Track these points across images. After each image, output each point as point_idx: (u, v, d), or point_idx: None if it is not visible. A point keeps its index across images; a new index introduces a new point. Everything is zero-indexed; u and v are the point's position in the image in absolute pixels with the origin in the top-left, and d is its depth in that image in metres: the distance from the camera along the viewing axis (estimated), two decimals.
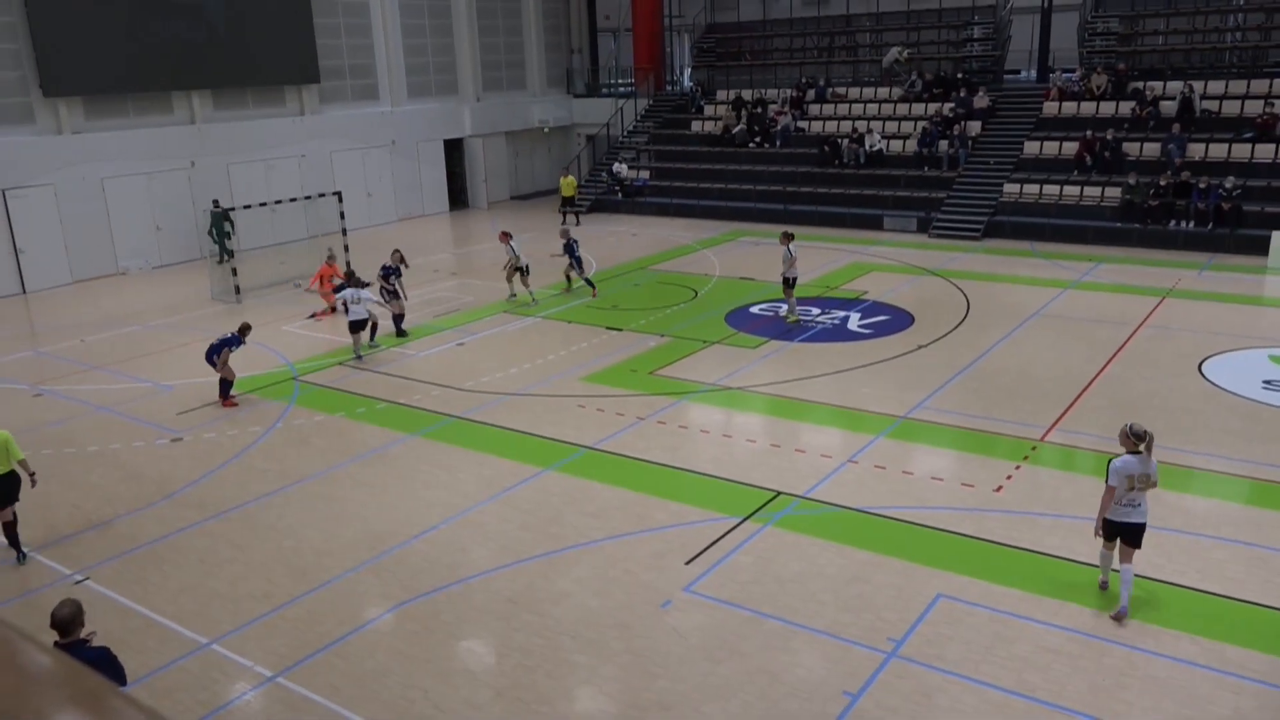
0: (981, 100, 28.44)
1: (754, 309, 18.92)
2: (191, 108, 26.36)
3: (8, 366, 17.24)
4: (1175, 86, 26.04)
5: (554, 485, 11.44)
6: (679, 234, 27.50)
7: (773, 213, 28.44)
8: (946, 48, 32.08)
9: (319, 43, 28.93)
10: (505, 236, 20.06)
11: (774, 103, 32.28)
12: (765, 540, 9.90)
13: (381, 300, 17.54)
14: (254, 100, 27.96)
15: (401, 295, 18.09)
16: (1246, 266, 21.03)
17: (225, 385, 14.57)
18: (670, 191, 31.44)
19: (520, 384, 15.10)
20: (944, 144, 27.55)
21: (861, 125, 29.81)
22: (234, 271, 20.99)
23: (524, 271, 19.82)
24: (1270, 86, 25.18)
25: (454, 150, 34.01)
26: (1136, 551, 8.38)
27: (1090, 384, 14.14)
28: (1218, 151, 24.27)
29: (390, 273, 18.03)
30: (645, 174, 32.74)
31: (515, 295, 20.10)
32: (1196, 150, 24.41)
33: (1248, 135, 24.13)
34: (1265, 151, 23.70)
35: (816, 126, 30.99)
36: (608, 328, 18.03)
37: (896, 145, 28.82)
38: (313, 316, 19.79)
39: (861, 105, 31.07)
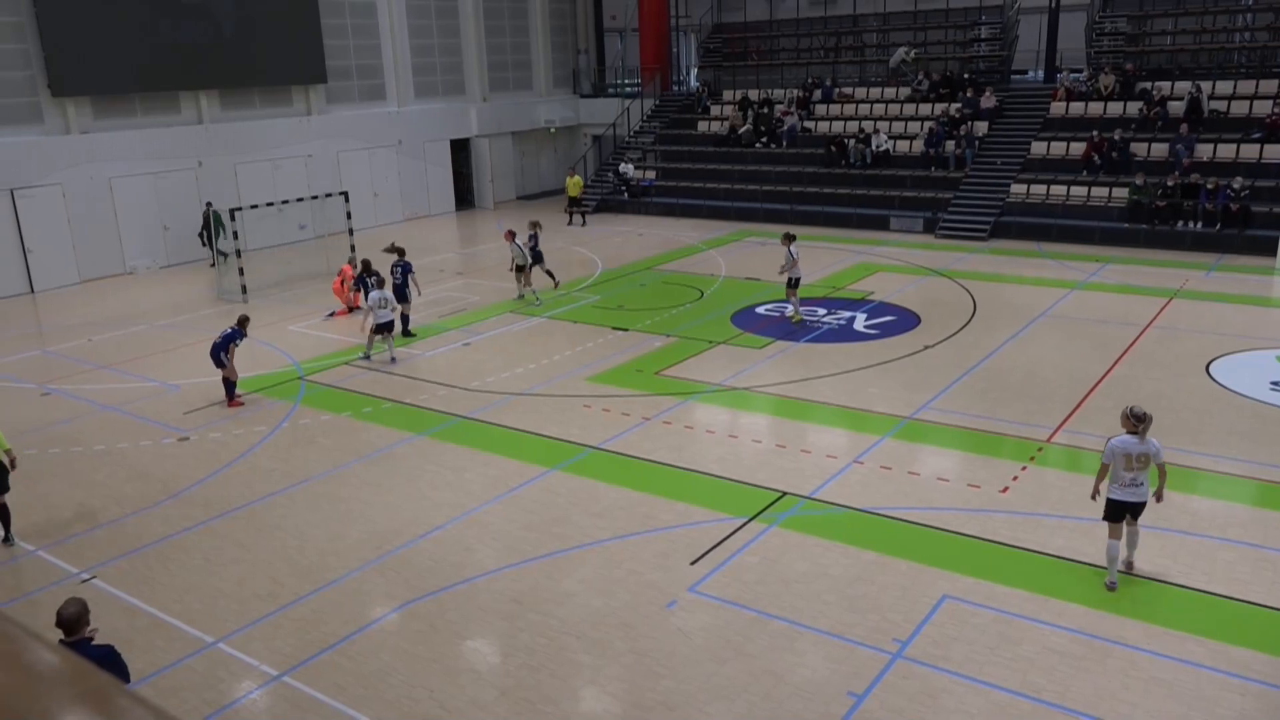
0: (988, 100, 28.38)
1: (760, 309, 18.91)
2: (199, 108, 26.44)
3: (15, 365, 17.31)
4: (1183, 87, 25.96)
5: (559, 485, 11.45)
6: (685, 234, 27.50)
7: (779, 213, 28.42)
8: (953, 48, 32.02)
9: (326, 43, 28.99)
10: (510, 235, 20.09)
11: (780, 103, 32.25)
12: (770, 541, 9.90)
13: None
14: (261, 100, 28.03)
15: (408, 296, 18.03)
16: (1254, 267, 20.96)
17: (230, 386, 14.61)
18: (676, 191, 31.43)
19: (526, 384, 15.12)
20: (951, 144, 27.49)
21: (868, 125, 29.76)
22: (240, 271, 21.04)
23: (521, 269, 19.85)
24: (1279, 87, 25.08)
25: (460, 150, 34.05)
26: (1140, 520, 8.83)
27: (1097, 385, 14.11)
28: (1226, 152, 24.18)
29: (406, 270, 18.09)
30: (651, 174, 32.74)
31: (523, 295, 20.12)
32: (1204, 151, 24.33)
33: (1256, 135, 24.05)
34: (1273, 152, 23.61)
35: (823, 127, 30.97)
36: (613, 328, 18.03)
37: (903, 145, 28.79)
38: (331, 315, 19.86)
39: (868, 105, 31.03)
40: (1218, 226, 22.70)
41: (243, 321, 14.69)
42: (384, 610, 8.99)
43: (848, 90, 32.03)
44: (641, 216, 30.81)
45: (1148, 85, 26.71)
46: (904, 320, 17.85)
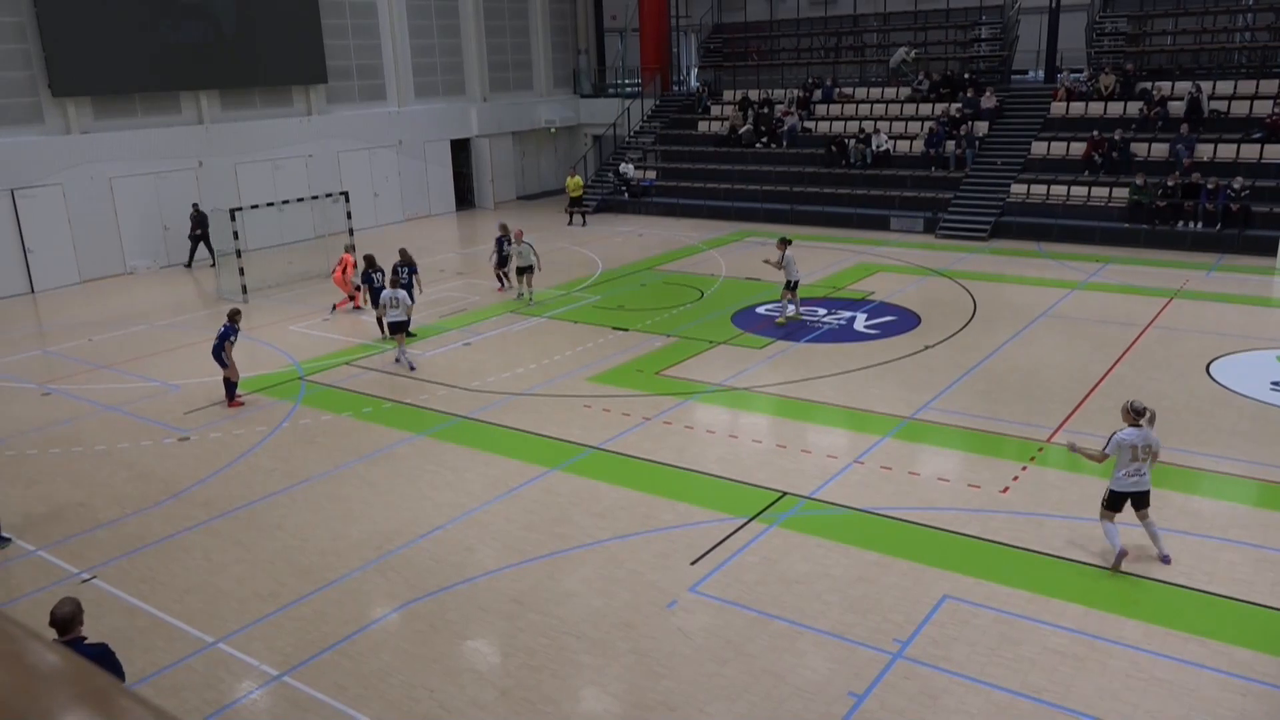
0: (989, 100, 28.37)
1: (760, 309, 18.90)
2: (200, 108, 26.44)
3: (16, 365, 17.31)
4: (1183, 87, 25.95)
5: (560, 485, 11.45)
6: (685, 234, 27.49)
7: (779, 213, 28.43)
8: (954, 48, 32.01)
9: (326, 43, 29.00)
10: (519, 235, 19.99)
11: (780, 103, 32.25)
12: (771, 541, 9.90)
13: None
14: (262, 100, 28.03)
15: (412, 297, 18.02)
16: (1255, 267, 20.95)
17: (230, 386, 14.61)
18: (677, 192, 31.43)
19: (526, 384, 15.11)
20: (951, 144, 27.49)
21: (868, 125, 29.76)
22: (240, 271, 21.04)
23: (523, 271, 19.83)
24: (1279, 87, 25.07)
25: (461, 150, 34.06)
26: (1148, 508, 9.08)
27: (1097, 385, 14.11)
28: (1226, 152, 24.18)
29: (411, 271, 18.12)
30: (652, 174, 32.74)
31: (523, 294, 20.10)
32: (1205, 150, 24.33)
33: (1256, 135, 24.04)
34: (1274, 152, 23.60)
35: (823, 127, 30.96)
36: (614, 328, 18.03)
37: (903, 145, 28.78)
38: (335, 309, 19.88)
39: (868, 105, 31.03)
40: (1218, 226, 22.70)
41: (232, 316, 14.57)
42: (384, 610, 8.99)
43: (848, 90, 32.03)
44: (642, 216, 30.81)
45: (1148, 85, 26.70)
46: (904, 320, 17.85)
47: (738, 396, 14.33)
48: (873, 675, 7.70)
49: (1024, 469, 11.40)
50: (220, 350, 14.34)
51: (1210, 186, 22.97)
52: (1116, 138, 25.09)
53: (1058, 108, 27.51)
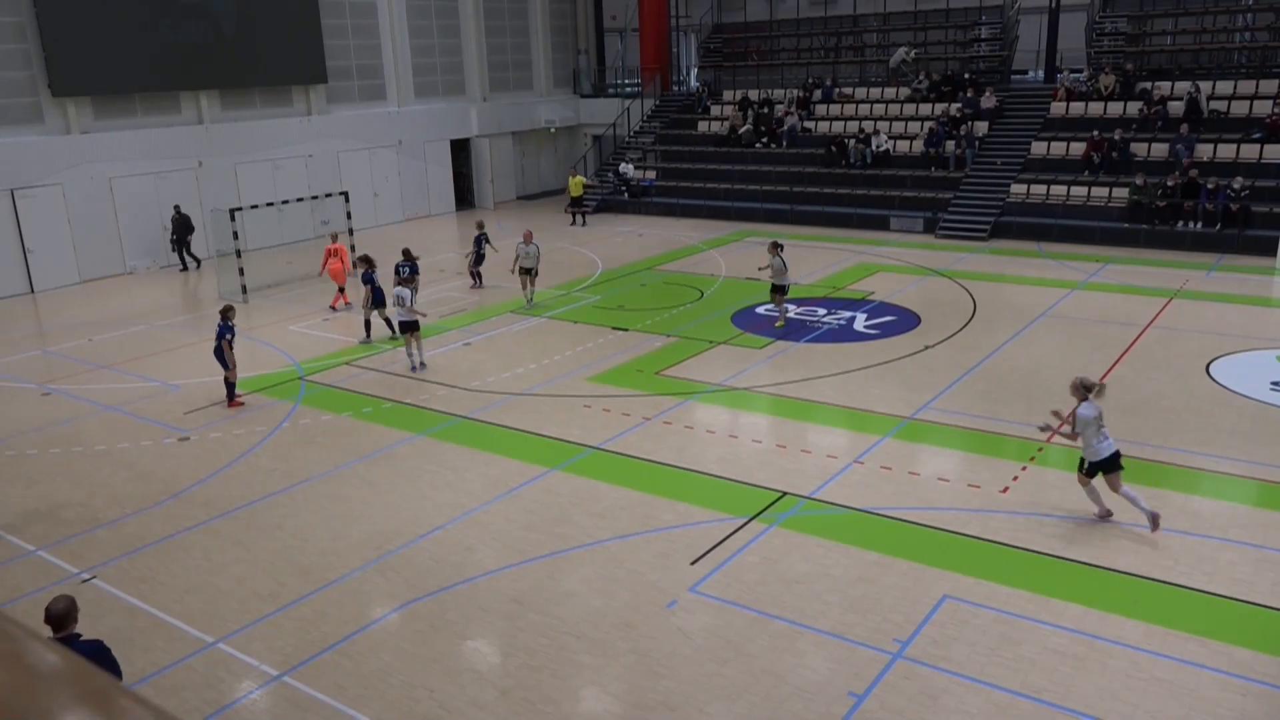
0: (989, 100, 28.38)
1: (760, 309, 18.89)
2: (199, 108, 26.45)
3: (16, 365, 17.31)
4: (1183, 87, 25.96)
5: (560, 485, 11.45)
6: (685, 234, 27.50)
7: (779, 213, 28.44)
8: (954, 48, 32.01)
9: (326, 43, 29.00)
10: (528, 236, 19.79)
11: (780, 103, 32.25)
12: (771, 541, 9.90)
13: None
14: (261, 100, 28.03)
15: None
16: (1254, 267, 20.95)
17: (230, 386, 14.60)
18: (676, 192, 31.43)
19: (526, 384, 15.11)
20: (951, 144, 27.49)
21: (868, 125, 29.77)
22: (240, 271, 21.04)
23: (526, 272, 19.68)
24: (1279, 87, 25.07)
25: (461, 150, 34.06)
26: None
27: None
28: (1226, 152, 24.19)
29: (413, 270, 18.12)
30: (652, 174, 32.74)
31: (530, 300, 19.85)
32: (1205, 150, 24.33)
33: (1256, 135, 24.04)
34: (1274, 152, 23.61)
35: (823, 127, 30.97)
36: (614, 328, 18.03)
37: (903, 145, 28.79)
38: (334, 308, 19.90)
39: (868, 105, 31.03)
40: (1218, 226, 22.70)
41: (225, 313, 14.41)
42: (384, 610, 8.99)
43: (848, 90, 32.03)
44: (642, 217, 30.81)
45: (1148, 85, 26.71)
46: (904, 320, 17.85)
47: (738, 396, 14.33)
48: (873, 675, 7.70)
49: (1024, 469, 11.41)
50: (221, 350, 14.32)
51: (1210, 186, 22.97)
52: (1116, 138, 25.10)
53: (1057, 108, 27.51)
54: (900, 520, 10.24)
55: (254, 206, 22.45)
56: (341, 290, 20.13)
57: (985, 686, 7.52)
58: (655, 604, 8.83)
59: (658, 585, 9.14)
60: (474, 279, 21.83)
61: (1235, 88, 25.85)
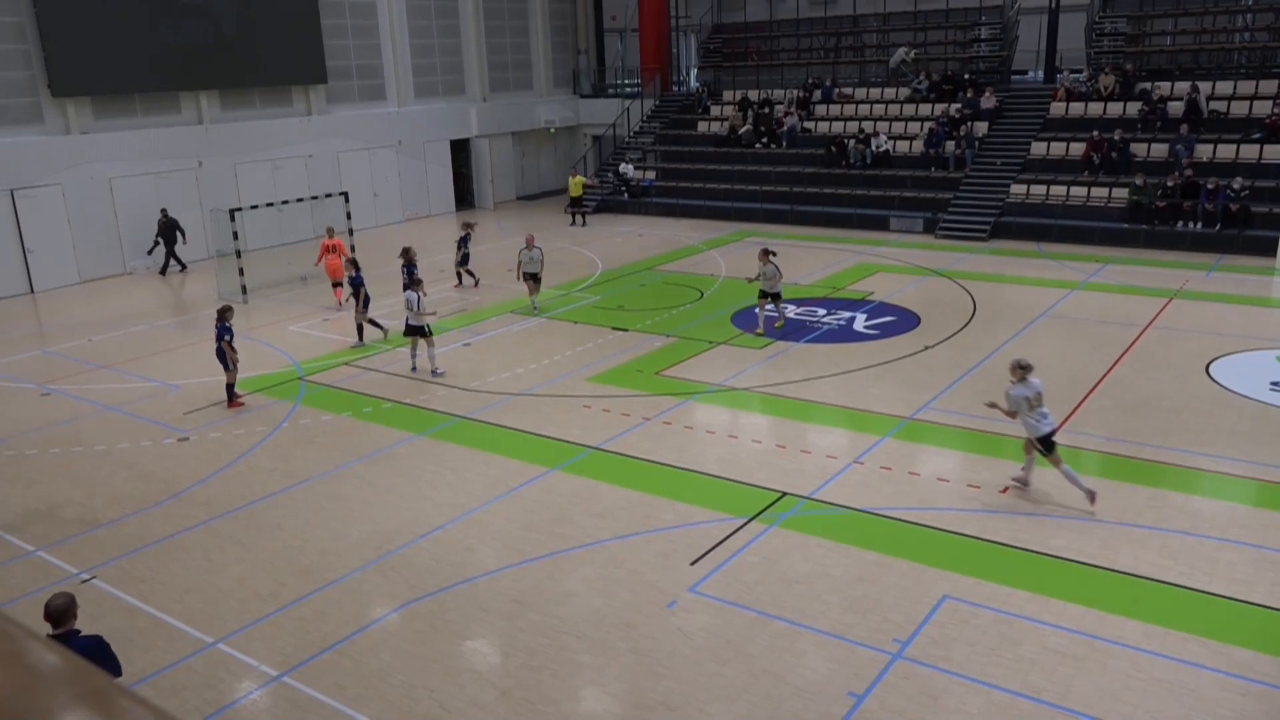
0: (988, 101, 28.38)
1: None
2: (199, 108, 26.44)
3: (16, 366, 17.31)
4: (1183, 87, 25.96)
5: (560, 485, 11.45)
6: (685, 234, 27.50)
7: (779, 213, 28.45)
8: (953, 48, 32.01)
9: (326, 43, 29.00)
10: (530, 240, 19.67)
11: (780, 103, 32.25)
12: (771, 541, 9.90)
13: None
14: (261, 101, 28.03)
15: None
16: (1254, 268, 20.96)
17: (230, 387, 14.59)
18: (676, 192, 31.43)
19: (526, 384, 15.11)
20: (951, 144, 27.49)
21: (868, 126, 29.77)
22: (240, 271, 21.04)
23: (529, 278, 19.51)
24: (1279, 87, 25.08)
25: (460, 150, 34.06)
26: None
27: (1097, 385, 14.11)
28: (1226, 152, 24.19)
29: (410, 270, 18.13)
30: (651, 174, 32.74)
31: (533, 302, 19.59)
32: (1204, 151, 24.34)
33: (1256, 136, 24.05)
34: (1273, 152, 23.61)
35: (823, 127, 30.97)
36: (613, 328, 18.03)
37: (903, 146, 28.78)
38: (337, 309, 19.89)
39: (868, 106, 31.03)
40: (1218, 227, 22.70)
41: (222, 314, 14.38)
42: (384, 610, 8.99)
43: (848, 91, 32.03)
44: (641, 217, 30.81)
45: (1147, 85, 26.71)
46: (904, 321, 17.85)
47: (737, 397, 14.33)
48: (872, 675, 7.70)
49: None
50: (222, 354, 14.31)
51: (1210, 187, 22.97)
52: (1116, 138, 25.10)
53: (1057, 108, 27.52)
54: (900, 520, 10.25)
55: (254, 207, 22.45)
56: (338, 285, 20.09)
57: (985, 687, 7.52)
58: (655, 604, 8.83)
59: (658, 585, 9.14)
60: (459, 278, 21.94)
61: (1235, 88, 25.85)
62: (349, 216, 22.96)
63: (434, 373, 15.65)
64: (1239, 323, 17.11)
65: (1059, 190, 25.20)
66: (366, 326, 17.56)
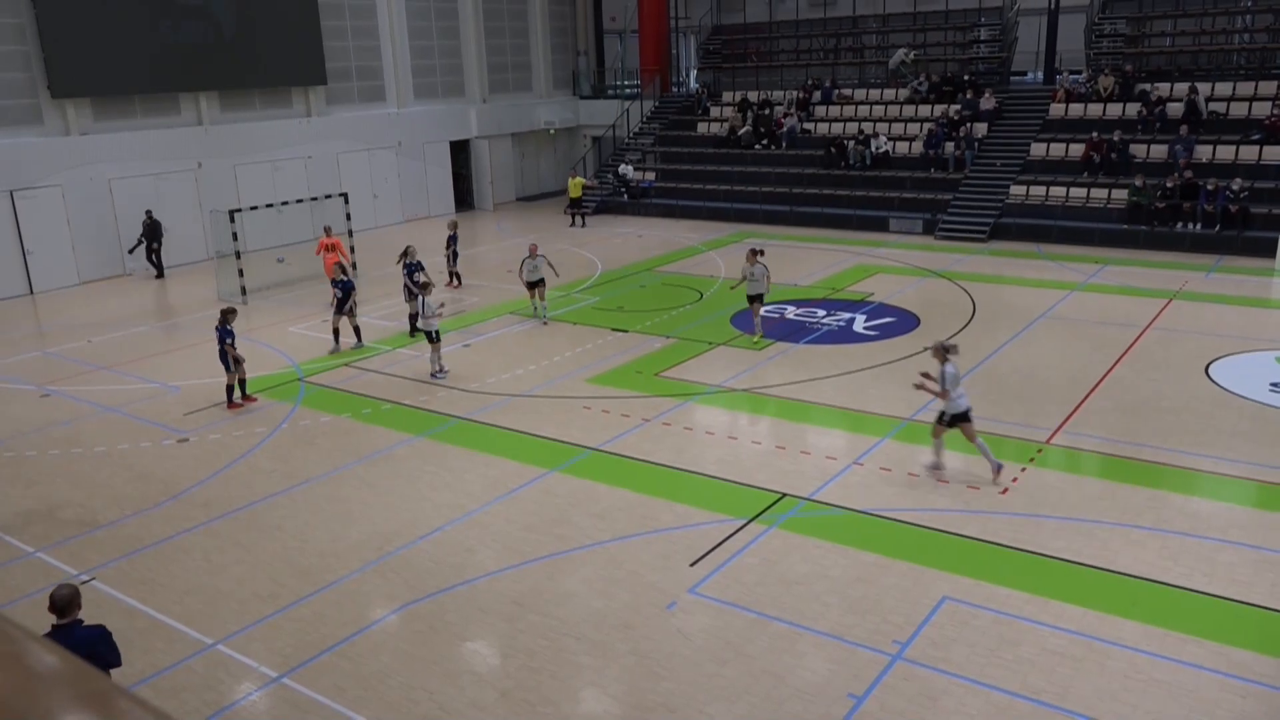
0: (988, 102, 28.39)
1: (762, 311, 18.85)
2: (199, 109, 26.45)
3: (15, 367, 17.31)
4: (1182, 88, 25.98)
5: (559, 487, 11.45)
6: (685, 235, 27.50)
7: (778, 214, 28.46)
8: (953, 49, 32.03)
9: (326, 45, 29.00)
10: (533, 249, 19.46)
11: (780, 104, 32.27)
12: (770, 542, 9.90)
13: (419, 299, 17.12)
14: (261, 102, 28.04)
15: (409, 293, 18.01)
16: (1254, 269, 20.97)
17: (230, 389, 14.59)
18: (676, 193, 31.44)
19: (526, 385, 15.11)
20: (950, 146, 27.51)
21: (868, 127, 29.78)
22: (240, 272, 21.03)
23: (532, 285, 19.23)
24: (1278, 88, 25.09)
25: (460, 151, 34.07)
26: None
27: (1096, 386, 14.11)
28: (1225, 153, 24.20)
29: (414, 269, 18.09)
30: (651, 175, 32.75)
31: (538, 310, 19.07)
32: (1204, 152, 24.35)
33: (1255, 137, 24.06)
34: (1273, 153, 23.62)
35: (822, 128, 30.98)
36: (613, 329, 18.04)
37: (903, 147, 28.79)
38: (336, 310, 19.85)
39: (868, 107, 31.05)
40: (1217, 228, 22.71)
41: (224, 316, 14.35)
42: (384, 611, 8.99)
43: (847, 92, 32.05)
44: (641, 218, 30.81)
45: (1147, 86, 26.72)
46: (903, 322, 17.86)
47: (737, 398, 14.33)
48: (872, 676, 7.70)
49: (1023, 470, 11.41)
50: (224, 356, 14.30)
51: (1209, 188, 22.98)
52: (1115, 139, 25.11)
53: (1057, 109, 27.53)
54: (899, 521, 10.25)
55: (253, 208, 22.44)
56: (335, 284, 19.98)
57: (984, 688, 7.52)
58: (655, 605, 8.83)
59: (657, 586, 9.14)
60: (453, 279, 21.97)
61: (1234, 89, 25.87)
62: (349, 218, 22.96)
63: (434, 374, 15.67)
64: (1238, 324, 17.11)
65: (1058, 191, 25.21)
66: (352, 329, 17.43)
